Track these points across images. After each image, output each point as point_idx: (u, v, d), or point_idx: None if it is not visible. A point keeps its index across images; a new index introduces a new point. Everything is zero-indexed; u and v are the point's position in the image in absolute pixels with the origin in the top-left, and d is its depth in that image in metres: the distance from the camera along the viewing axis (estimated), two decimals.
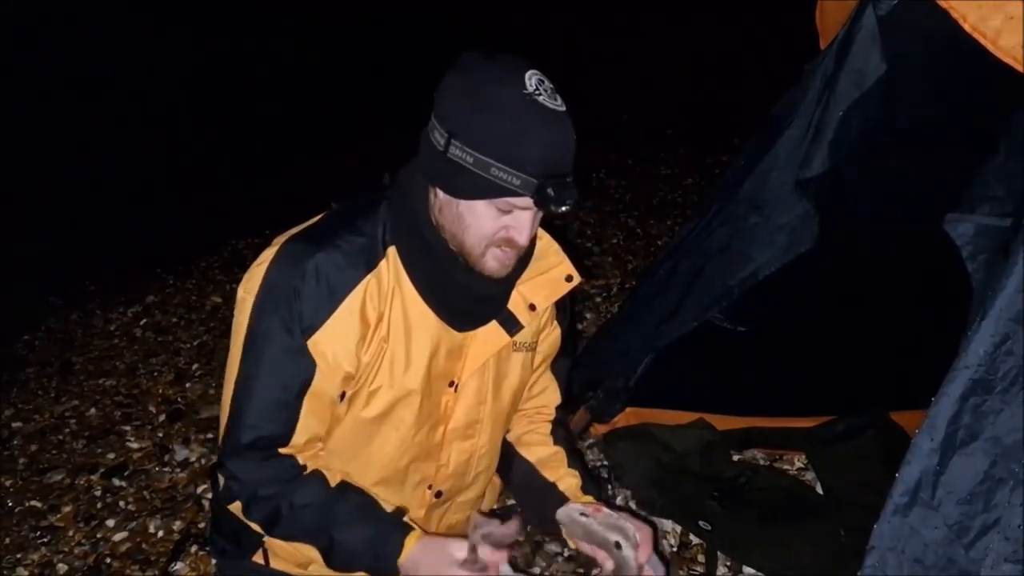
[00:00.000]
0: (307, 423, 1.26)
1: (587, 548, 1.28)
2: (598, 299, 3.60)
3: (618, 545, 1.08)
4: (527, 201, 1.14)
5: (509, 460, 1.57)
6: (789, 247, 1.86)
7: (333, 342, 1.22)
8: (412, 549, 1.21)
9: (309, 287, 1.20)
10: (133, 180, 5.47)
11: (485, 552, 1.11)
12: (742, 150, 2.06)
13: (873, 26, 1.59)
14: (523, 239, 1.20)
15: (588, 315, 3.41)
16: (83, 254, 4.45)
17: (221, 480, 1.29)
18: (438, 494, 1.45)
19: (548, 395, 1.60)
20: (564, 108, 1.15)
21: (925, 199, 1.65)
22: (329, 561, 1.28)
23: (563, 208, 1.12)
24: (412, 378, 1.31)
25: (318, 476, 1.28)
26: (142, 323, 3.64)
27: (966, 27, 1.27)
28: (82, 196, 5.07)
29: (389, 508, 1.28)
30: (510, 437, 1.60)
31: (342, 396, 1.31)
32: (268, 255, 1.24)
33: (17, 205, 4.72)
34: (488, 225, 1.19)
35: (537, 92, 1.12)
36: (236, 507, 1.28)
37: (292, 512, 1.25)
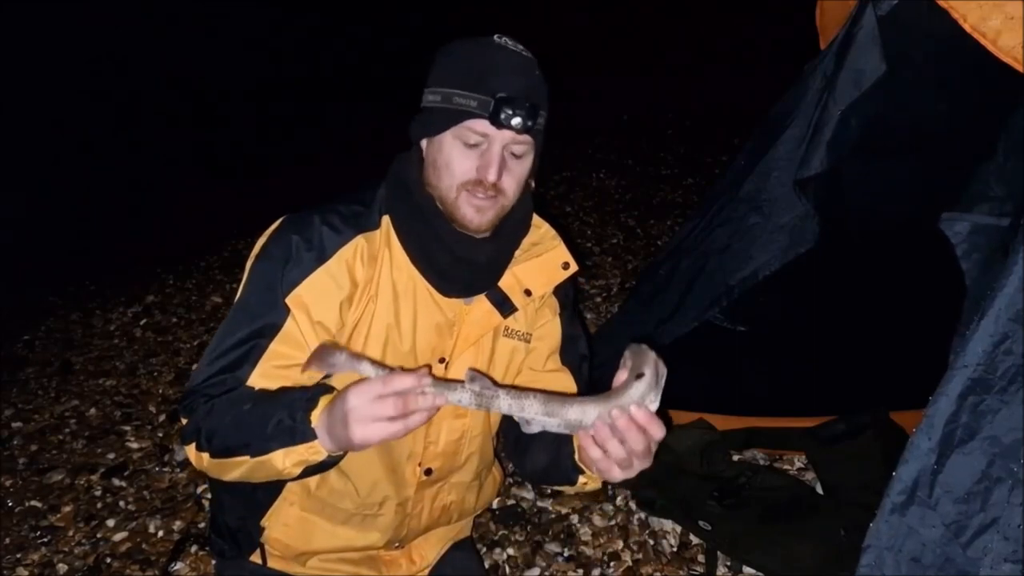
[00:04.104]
0: (265, 370, 1.24)
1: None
2: (598, 299, 3.60)
3: (639, 376, 1.03)
4: (484, 124, 1.19)
5: (531, 439, 1.42)
6: (789, 247, 1.86)
7: (315, 295, 1.25)
8: (327, 402, 1.09)
9: (304, 246, 1.26)
10: (133, 180, 5.48)
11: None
12: (742, 150, 2.07)
13: (873, 26, 1.59)
14: (491, 174, 1.21)
15: (588, 315, 3.41)
16: (83, 254, 4.46)
17: (184, 421, 1.26)
18: (428, 472, 1.44)
19: (563, 383, 1.51)
20: (527, 53, 1.24)
21: (925, 199, 1.66)
22: (242, 427, 1.15)
23: (516, 124, 1.18)
24: (402, 342, 1.32)
25: None
26: (142, 323, 3.64)
27: (966, 27, 1.27)
28: (82, 196, 5.08)
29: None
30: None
31: None
32: (275, 223, 1.32)
33: (17, 205, 4.72)
34: (457, 164, 1.23)
35: (499, 38, 1.23)
36: (191, 449, 1.22)
37: (231, 395, 1.21)
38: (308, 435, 1.07)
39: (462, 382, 1.00)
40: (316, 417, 1.07)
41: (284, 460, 1.10)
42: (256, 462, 1.13)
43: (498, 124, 1.18)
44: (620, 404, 1.01)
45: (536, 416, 1.01)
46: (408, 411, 0.97)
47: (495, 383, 1.01)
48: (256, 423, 1.12)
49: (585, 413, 1.01)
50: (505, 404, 1.00)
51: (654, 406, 1.03)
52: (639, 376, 1.03)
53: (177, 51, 7.38)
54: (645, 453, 1.03)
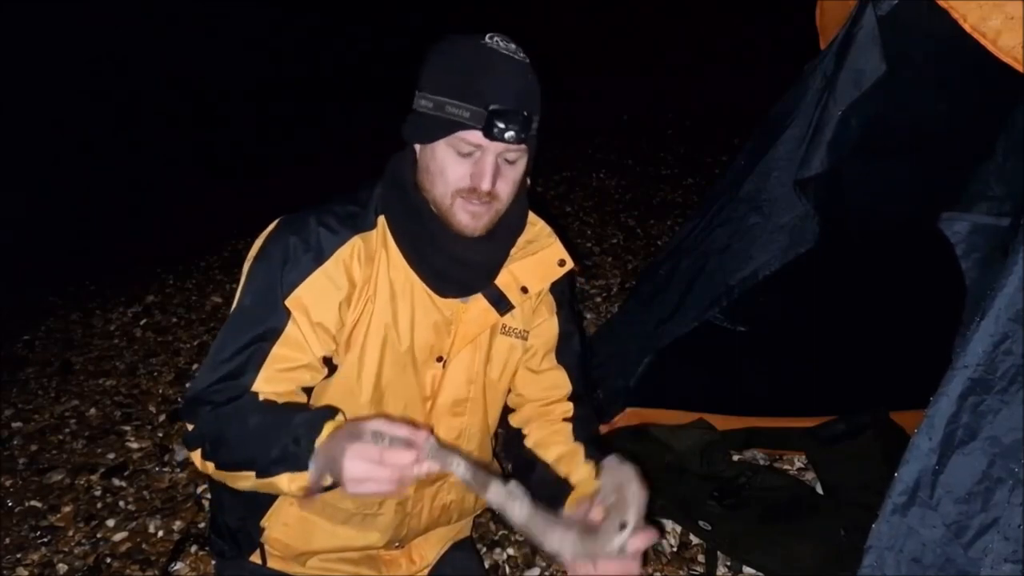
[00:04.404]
0: (269, 375, 1.24)
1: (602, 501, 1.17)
2: (598, 299, 3.60)
3: (622, 525, 1.06)
4: (478, 135, 1.18)
5: (531, 464, 1.51)
6: (789, 247, 1.86)
7: (314, 296, 1.26)
8: (331, 430, 1.10)
9: (301, 247, 1.26)
10: (133, 180, 5.48)
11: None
12: (742, 150, 2.07)
13: (873, 26, 1.59)
14: (485, 183, 1.21)
15: (588, 315, 3.40)
16: (83, 254, 4.46)
17: (188, 427, 1.26)
18: None
19: (558, 380, 1.54)
20: (521, 55, 1.22)
21: (925, 199, 1.66)
22: (247, 444, 1.16)
23: (509, 137, 1.17)
24: (400, 342, 1.33)
25: None
26: (142, 323, 3.64)
27: (966, 27, 1.27)
28: (82, 196, 5.08)
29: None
30: (528, 443, 1.54)
31: (333, 369, 1.31)
32: (271, 225, 1.32)
33: (17, 205, 4.72)
34: (451, 171, 1.22)
35: (492, 39, 1.21)
36: (196, 455, 1.23)
37: (236, 404, 1.21)
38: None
39: (458, 452, 1.03)
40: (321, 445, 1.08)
41: (290, 485, 1.11)
42: (261, 482, 1.14)
43: (491, 137, 1.18)
44: (599, 550, 1.06)
45: (519, 523, 1.04)
46: (403, 477, 0.99)
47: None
48: (261, 445, 1.12)
49: (563, 546, 1.05)
50: (493, 494, 1.02)
51: (632, 549, 1.08)
52: (622, 525, 1.07)
53: (177, 51, 7.38)
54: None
